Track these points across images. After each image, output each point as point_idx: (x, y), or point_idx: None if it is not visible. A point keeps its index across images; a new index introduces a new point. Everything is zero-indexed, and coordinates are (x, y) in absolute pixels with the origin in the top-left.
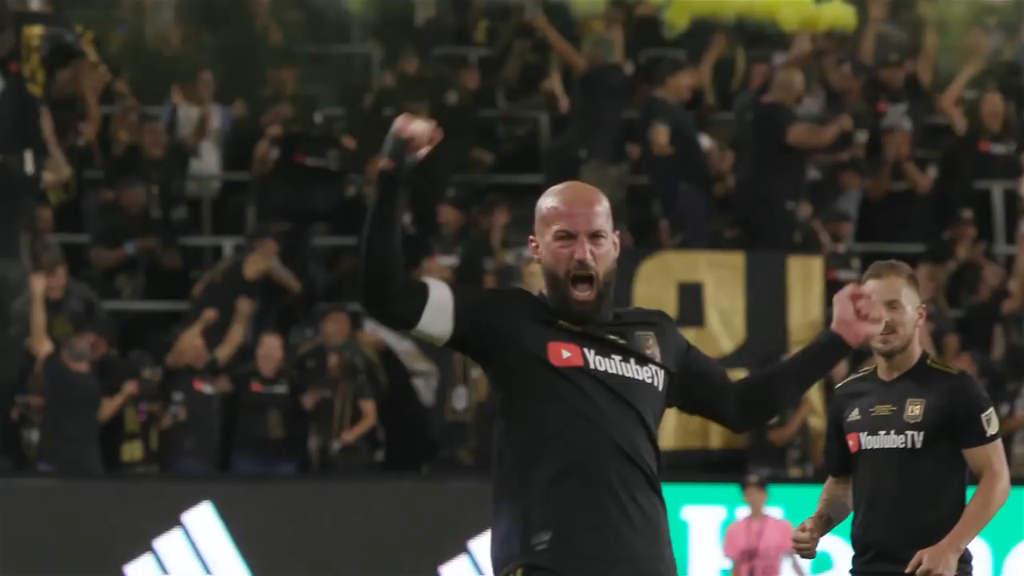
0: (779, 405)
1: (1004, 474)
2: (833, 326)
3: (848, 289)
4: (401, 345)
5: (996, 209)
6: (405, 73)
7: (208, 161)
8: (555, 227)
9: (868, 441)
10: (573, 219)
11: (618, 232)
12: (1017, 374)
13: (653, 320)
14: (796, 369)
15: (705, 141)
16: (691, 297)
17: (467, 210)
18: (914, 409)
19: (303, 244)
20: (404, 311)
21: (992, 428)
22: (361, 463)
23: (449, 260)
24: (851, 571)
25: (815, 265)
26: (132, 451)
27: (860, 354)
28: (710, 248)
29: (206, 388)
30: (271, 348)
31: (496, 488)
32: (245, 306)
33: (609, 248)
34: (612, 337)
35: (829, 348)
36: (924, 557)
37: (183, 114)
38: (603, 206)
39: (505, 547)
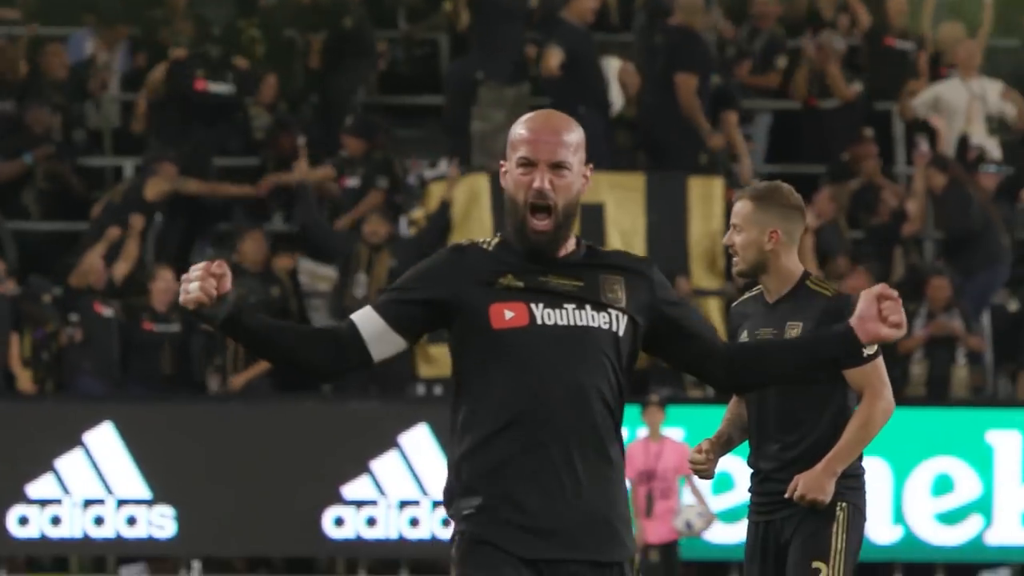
0: (769, 375)
1: (884, 393)
2: (852, 320)
3: (877, 288)
4: (304, 265)
5: (896, 129)
6: None
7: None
8: (518, 154)
9: None
10: (536, 147)
11: (589, 166)
12: (915, 295)
13: (630, 266)
14: (797, 345)
15: (613, 64)
16: (592, 217)
17: (367, 134)
18: (793, 332)
19: (204, 166)
20: (354, 364)
21: (869, 348)
22: (262, 383)
23: (352, 181)
24: (748, 491)
25: (716, 185)
26: (24, 381)
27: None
28: (610, 170)
29: (105, 310)
30: (165, 282)
31: (448, 452)
32: (138, 222)
33: (573, 180)
34: (565, 282)
35: (839, 339)
36: (799, 482)
37: (87, 48)
38: (571, 137)
39: (446, 507)
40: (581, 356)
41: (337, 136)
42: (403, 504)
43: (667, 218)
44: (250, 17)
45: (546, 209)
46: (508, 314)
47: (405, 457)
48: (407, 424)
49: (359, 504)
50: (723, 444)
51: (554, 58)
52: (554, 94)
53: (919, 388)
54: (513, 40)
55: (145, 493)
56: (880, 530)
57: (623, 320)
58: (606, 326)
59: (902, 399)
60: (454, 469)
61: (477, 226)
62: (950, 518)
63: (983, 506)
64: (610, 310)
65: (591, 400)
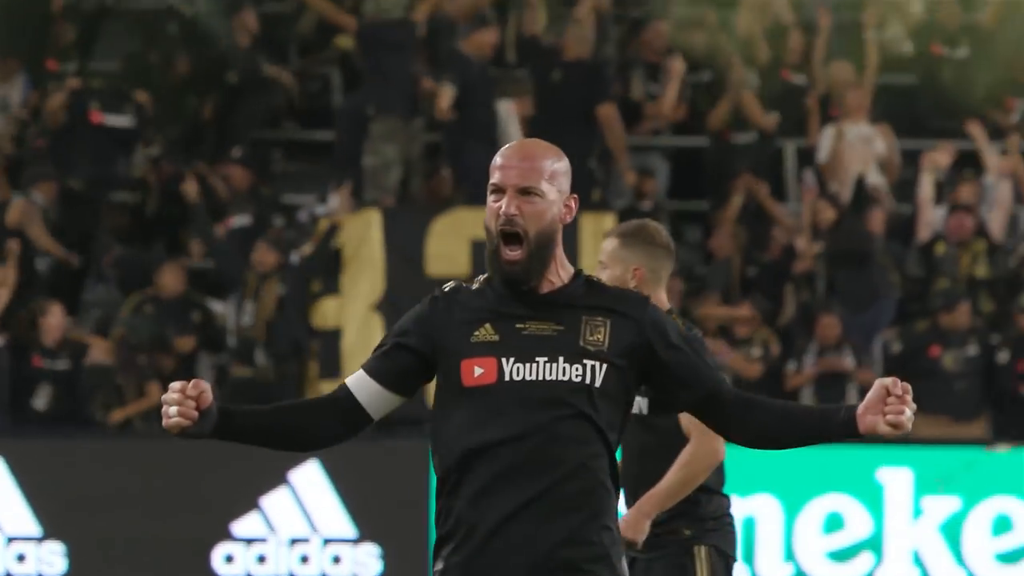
0: (780, 442)
1: (709, 437)
2: (859, 408)
3: (888, 381)
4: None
5: (787, 162)
6: (194, 27)
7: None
8: (491, 181)
9: None
10: (504, 172)
11: (573, 196)
12: (806, 332)
13: (619, 307)
14: (803, 420)
15: (506, 106)
16: (484, 253)
17: (257, 169)
18: None
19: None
20: (357, 430)
21: None
22: (152, 418)
23: (243, 219)
24: None
25: (608, 222)
26: None
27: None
28: None
29: None
30: (55, 317)
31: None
32: (13, 247)
33: (546, 208)
34: (543, 327)
35: (840, 422)
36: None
37: None
38: (546, 163)
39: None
40: (549, 413)
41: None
42: (293, 541)
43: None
44: (147, 56)
45: (516, 237)
46: (478, 371)
47: (296, 494)
48: (297, 461)
49: (249, 541)
50: None
51: (445, 98)
52: (446, 128)
53: None
54: (404, 74)
55: (35, 530)
56: (771, 568)
57: (601, 369)
58: (578, 379)
59: None
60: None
61: (368, 263)
62: (841, 556)
63: (874, 544)
64: (586, 360)
65: (559, 457)
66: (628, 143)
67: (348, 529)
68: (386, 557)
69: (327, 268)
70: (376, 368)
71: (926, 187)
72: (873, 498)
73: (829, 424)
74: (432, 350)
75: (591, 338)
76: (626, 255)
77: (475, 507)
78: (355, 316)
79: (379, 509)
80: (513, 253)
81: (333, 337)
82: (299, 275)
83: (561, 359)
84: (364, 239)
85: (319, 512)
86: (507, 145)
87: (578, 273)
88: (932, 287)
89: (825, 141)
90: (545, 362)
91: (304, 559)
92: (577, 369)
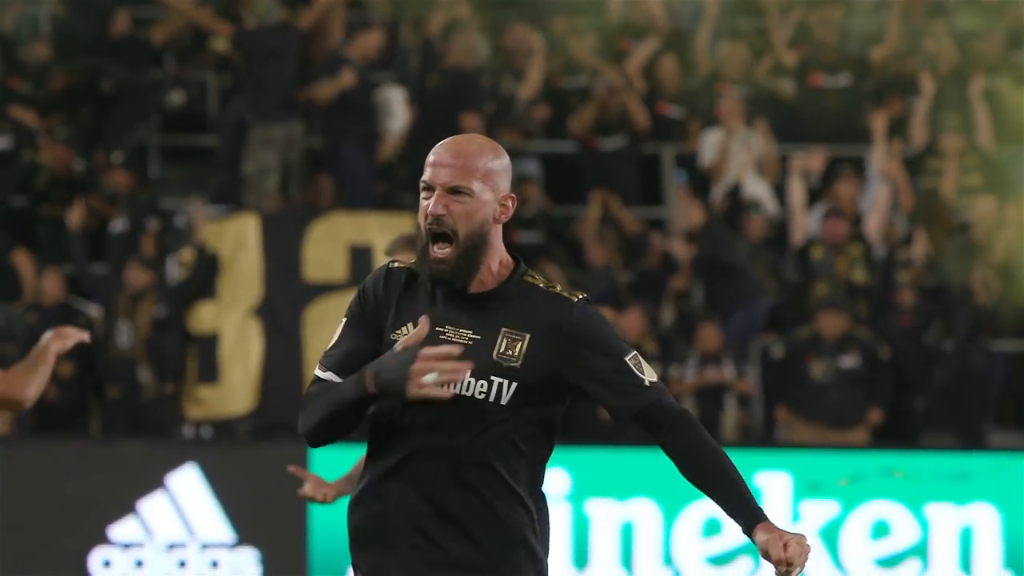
0: (694, 481)
1: None
2: (760, 535)
3: (795, 543)
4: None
5: (666, 173)
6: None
7: None
8: (422, 178)
9: None
10: (435, 170)
11: (510, 195)
12: (685, 340)
13: (544, 318)
14: (721, 489)
15: (397, 94)
16: (361, 259)
17: (136, 173)
18: None
19: None
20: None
21: None
22: (24, 422)
23: (120, 225)
24: None
25: None
26: None
27: None
28: (376, 209)
29: None
30: None
31: None
32: None
33: (476, 207)
34: (462, 334)
35: (743, 526)
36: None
37: None
38: (479, 161)
39: None
40: (456, 425)
41: (104, 174)
42: (171, 546)
43: None
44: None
45: (445, 236)
46: None
47: (173, 498)
48: (175, 465)
49: (126, 546)
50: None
51: (326, 91)
52: (324, 132)
53: None
54: (282, 79)
55: None
56: (649, 573)
57: (510, 387)
58: (482, 395)
59: None
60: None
61: (244, 269)
62: (719, 560)
63: (751, 548)
64: (494, 377)
65: (466, 469)
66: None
67: (226, 533)
68: (264, 561)
69: (203, 277)
70: (333, 363)
71: (796, 191)
72: None
73: (735, 518)
74: (372, 344)
75: (505, 352)
76: None
77: (384, 488)
78: (233, 321)
79: (257, 513)
80: (441, 251)
81: (210, 342)
82: (176, 293)
83: (469, 372)
84: (242, 244)
85: (197, 516)
86: (443, 141)
87: (515, 271)
88: (809, 292)
89: (706, 145)
90: None
91: (182, 564)
92: (482, 385)
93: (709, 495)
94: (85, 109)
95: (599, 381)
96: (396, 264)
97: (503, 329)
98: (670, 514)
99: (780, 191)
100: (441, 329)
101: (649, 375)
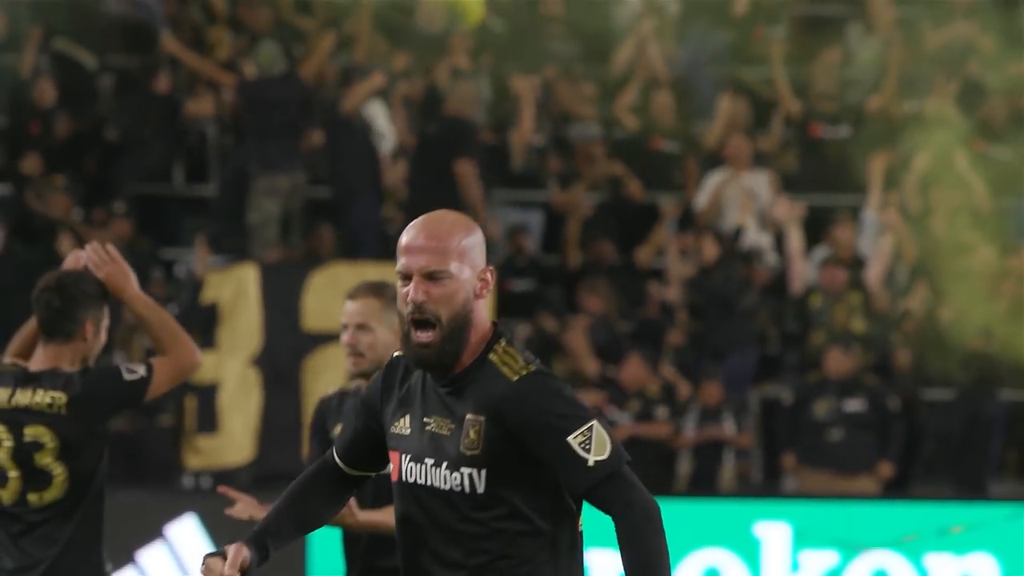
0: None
1: None
2: None
3: None
4: None
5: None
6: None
7: None
8: (397, 265)
9: None
10: (410, 257)
11: (488, 269)
12: (687, 389)
13: (494, 399)
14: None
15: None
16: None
17: (137, 223)
18: None
19: None
20: (363, 481)
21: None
22: None
23: None
24: None
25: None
26: None
27: None
28: (382, 260)
29: None
30: None
31: None
32: None
33: (456, 289)
34: (440, 423)
35: None
36: None
37: None
38: (452, 241)
39: None
40: (440, 519)
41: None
42: None
43: None
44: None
45: (427, 323)
46: (391, 465)
47: (172, 548)
48: (174, 514)
49: None
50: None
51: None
52: (333, 183)
53: (683, 484)
54: (286, 128)
55: None
56: None
57: (480, 475)
58: (458, 488)
59: (670, 491)
60: None
61: (244, 319)
62: None
63: None
64: (463, 468)
65: (477, 563)
66: (504, 198)
67: None
68: None
69: (201, 323)
70: (343, 453)
71: (795, 240)
72: (750, 552)
73: None
74: (379, 430)
75: (467, 440)
76: (389, 316)
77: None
78: (232, 371)
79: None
80: (424, 336)
81: (210, 392)
82: None
83: (444, 464)
84: (241, 293)
85: (196, 566)
86: (413, 223)
87: (486, 350)
88: (807, 340)
89: (704, 191)
90: (432, 464)
91: None
92: (456, 478)
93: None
94: (90, 157)
95: (546, 460)
96: (398, 353)
97: (467, 416)
98: (670, 563)
99: (779, 239)
100: (427, 420)
101: (597, 453)
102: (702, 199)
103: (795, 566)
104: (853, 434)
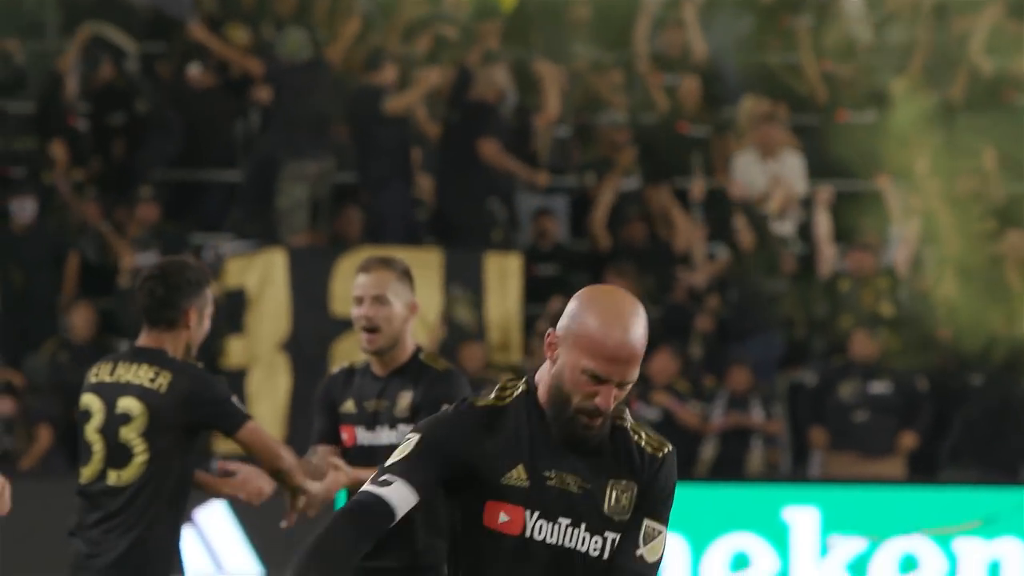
0: None
1: None
2: None
3: None
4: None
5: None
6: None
7: None
8: (591, 364)
9: (365, 437)
10: (613, 366)
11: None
12: (715, 377)
13: (645, 467)
14: None
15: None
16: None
17: (165, 208)
18: (403, 402)
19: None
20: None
21: None
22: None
23: (148, 257)
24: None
25: (512, 261)
26: None
27: None
28: (408, 245)
29: None
30: None
31: None
32: None
33: (631, 387)
34: (572, 481)
35: None
36: None
37: None
38: (644, 342)
39: None
40: None
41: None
42: None
43: (465, 294)
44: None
45: (601, 415)
46: (503, 517)
47: (202, 533)
48: (203, 500)
49: None
50: None
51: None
52: (360, 168)
53: (707, 466)
54: (315, 115)
55: None
56: None
57: (615, 541)
58: (596, 552)
59: (697, 475)
60: None
61: (272, 304)
62: None
63: None
64: (607, 531)
65: None
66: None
67: (254, 568)
68: None
69: (228, 308)
70: (417, 481)
71: (823, 224)
72: (779, 537)
73: None
74: (458, 477)
75: (617, 506)
76: (403, 291)
77: None
78: (261, 356)
79: (285, 548)
80: (593, 423)
81: (238, 377)
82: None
83: (583, 525)
84: (269, 279)
85: (225, 551)
86: (616, 318)
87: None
88: (835, 324)
89: (732, 175)
90: (568, 524)
91: None
92: (596, 541)
93: None
94: (117, 143)
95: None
96: (475, 402)
97: (609, 478)
98: (698, 548)
99: (804, 226)
100: (549, 474)
101: (650, 553)
102: (730, 183)
103: (823, 551)
104: (878, 416)
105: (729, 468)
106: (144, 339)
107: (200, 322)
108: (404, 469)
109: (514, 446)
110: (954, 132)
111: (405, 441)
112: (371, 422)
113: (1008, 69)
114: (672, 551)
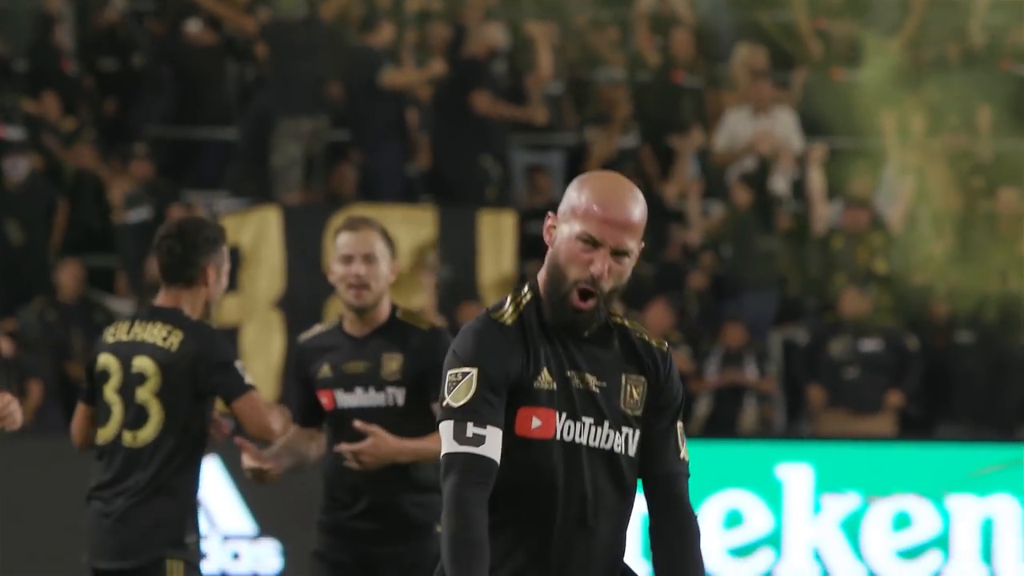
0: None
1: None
2: None
3: None
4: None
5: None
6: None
7: None
8: (581, 227)
9: (345, 399)
10: (605, 229)
11: (643, 244)
12: (710, 335)
13: (653, 364)
14: None
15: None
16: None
17: (159, 165)
18: (393, 365)
19: None
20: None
21: None
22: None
23: (140, 213)
24: (321, 523)
25: (507, 219)
26: None
27: None
28: (402, 203)
29: None
30: None
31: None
32: None
33: (629, 267)
34: (590, 380)
35: None
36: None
37: None
38: (639, 218)
39: None
40: (592, 477)
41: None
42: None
43: (459, 252)
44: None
45: (591, 295)
46: (535, 422)
47: None
48: None
49: None
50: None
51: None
52: (354, 124)
53: (700, 424)
54: (310, 73)
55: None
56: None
57: (636, 436)
58: (619, 449)
59: (690, 432)
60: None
61: (266, 261)
62: (740, 552)
63: (774, 540)
64: (624, 428)
65: (601, 522)
66: (522, 141)
67: (248, 525)
68: (286, 553)
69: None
70: (496, 418)
71: (816, 181)
72: (773, 495)
73: None
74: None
75: (631, 401)
76: (386, 251)
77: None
78: (254, 313)
79: (279, 505)
80: (585, 304)
81: (232, 335)
82: None
83: (606, 423)
84: (263, 237)
85: (218, 509)
86: (600, 185)
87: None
88: (829, 281)
89: (722, 133)
90: (591, 424)
91: (204, 556)
92: (619, 437)
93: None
94: (110, 101)
95: (652, 435)
96: (492, 316)
97: (622, 374)
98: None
99: (798, 184)
100: (570, 374)
101: (685, 451)
102: (722, 139)
103: (817, 508)
104: (868, 373)
105: (723, 426)
106: (162, 298)
107: (218, 279)
108: (481, 412)
109: (536, 351)
110: (948, 90)
111: (454, 376)
112: (350, 384)
113: (1005, 32)
114: None
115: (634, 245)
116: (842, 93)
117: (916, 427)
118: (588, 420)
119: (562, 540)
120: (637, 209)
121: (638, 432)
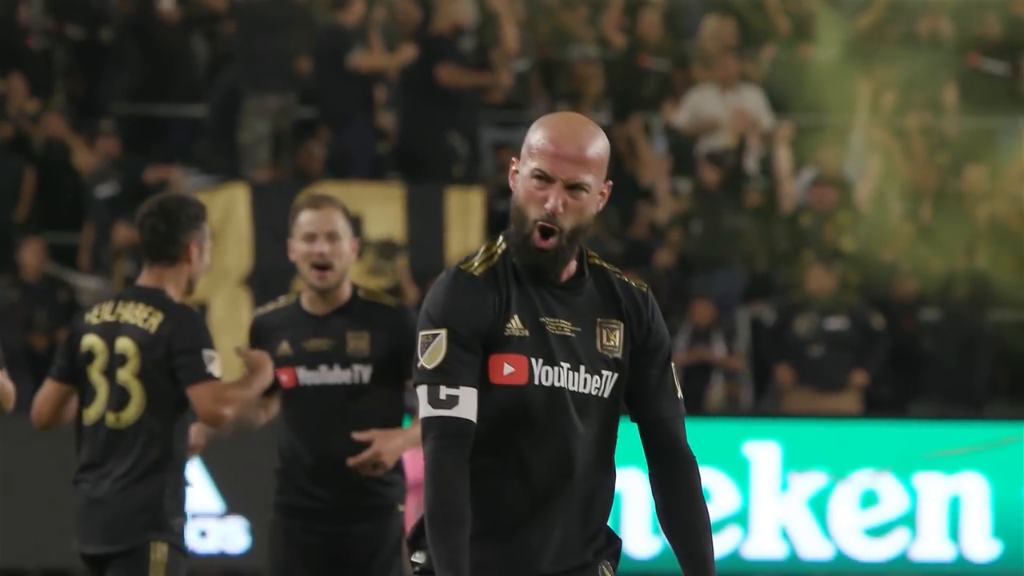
0: (665, 520)
1: None
2: None
3: None
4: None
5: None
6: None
7: None
8: (535, 164)
9: (308, 376)
10: (555, 163)
11: (607, 183)
12: (678, 313)
13: (632, 306)
14: (683, 550)
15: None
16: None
17: (126, 142)
18: (359, 343)
19: None
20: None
21: None
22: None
23: (107, 189)
24: (278, 505)
25: (475, 197)
26: None
27: None
28: (370, 180)
29: None
30: None
31: None
32: None
33: (588, 202)
34: (563, 325)
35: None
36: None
37: None
38: (594, 151)
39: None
40: (568, 422)
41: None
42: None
43: (426, 229)
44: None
45: (551, 232)
46: (507, 369)
47: None
48: None
49: None
50: None
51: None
52: (322, 102)
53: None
54: (274, 49)
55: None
56: (639, 544)
57: (613, 379)
58: (596, 392)
59: None
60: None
61: (234, 239)
62: (716, 526)
63: (741, 518)
64: (604, 371)
65: (575, 466)
66: (490, 118)
67: (215, 503)
68: (253, 531)
69: None
70: (468, 377)
71: (783, 159)
72: (740, 472)
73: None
74: (480, 343)
75: (608, 344)
76: (348, 229)
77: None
78: (222, 291)
79: (246, 483)
80: (546, 243)
81: (199, 312)
82: None
83: (582, 367)
84: (231, 214)
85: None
86: (553, 123)
87: (581, 254)
88: (797, 260)
89: (686, 109)
90: (568, 369)
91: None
92: (596, 381)
93: (677, 547)
94: (80, 74)
95: (644, 379)
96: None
97: (598, 318)
98: None
99: (765, 161)
100: (543, 320)
101: (679, 391)
102: (685, 116)
103: (784, 486)
104: (833, 351)
105: (690, 403)
106: (145, 277)
107: (201, 256)
108: (452, 373)
109: (507, 299)
110: (915, 67)
111: (426, 338)
112: (312, 361)
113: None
114: (632, 487)
115: (590, 179)
116: (809, 70)
117: (885, 406)
118: (566, 365)
119: (543, 486)
120: (592, 143)
121: (616, 375)
